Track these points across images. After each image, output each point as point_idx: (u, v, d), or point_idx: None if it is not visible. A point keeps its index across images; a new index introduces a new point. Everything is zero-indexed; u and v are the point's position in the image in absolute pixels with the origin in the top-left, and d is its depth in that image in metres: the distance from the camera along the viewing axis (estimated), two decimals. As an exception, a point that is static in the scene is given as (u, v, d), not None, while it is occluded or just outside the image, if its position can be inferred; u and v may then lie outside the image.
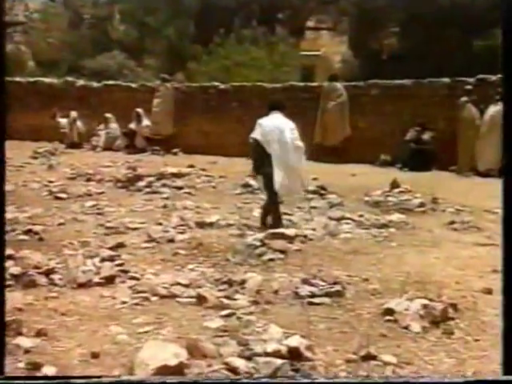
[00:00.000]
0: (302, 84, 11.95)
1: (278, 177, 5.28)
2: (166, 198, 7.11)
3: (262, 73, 15.48)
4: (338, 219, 5.83)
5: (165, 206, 6.53)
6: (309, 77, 16.58)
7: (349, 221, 5.79)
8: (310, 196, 7.14)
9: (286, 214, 6.02)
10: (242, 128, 11.86)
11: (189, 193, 7.55)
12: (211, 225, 5.53)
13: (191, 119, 12.32)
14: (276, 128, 5.38)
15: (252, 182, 7.67)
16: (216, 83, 12.53)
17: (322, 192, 7.30)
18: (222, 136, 11.91)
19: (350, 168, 9.81)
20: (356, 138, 10.86)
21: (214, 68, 15.91)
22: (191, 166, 9.26)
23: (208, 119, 12.12)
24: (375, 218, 5.91)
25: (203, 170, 9.16)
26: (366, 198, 7.06)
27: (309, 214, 5.92)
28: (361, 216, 5.99)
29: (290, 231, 5.09)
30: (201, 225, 5.52)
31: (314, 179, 8.10)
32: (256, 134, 5.45)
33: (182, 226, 5.45)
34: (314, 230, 5.34)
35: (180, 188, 7.75)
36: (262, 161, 5.38)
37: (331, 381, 2.38)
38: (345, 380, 2.46)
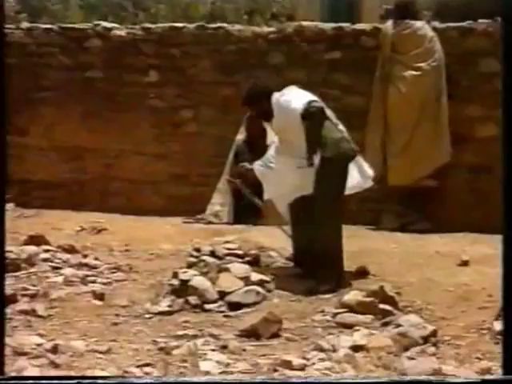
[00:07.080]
0: (327, 25, 12.28)
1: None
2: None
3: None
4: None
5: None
6: (346, 9, 17.06)
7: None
8: (352, 318, 7.29)
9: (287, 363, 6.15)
10: (172, 136, 11.97)
11: (32, 313, 7.60)
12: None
13: (39, 114, 12.63)
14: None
15: (207, 284, 7.74)
16: (105, 24, 12.91)
17: (386, 308, 7.44)
18: (121, 157, 12.15)
19: (455, 245, 9.98)
20: (469, 164, 11.22)
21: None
22: (36, 241, 9.35)
23: (84, 115, 12.44)
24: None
25: (70, 250, 9.27)
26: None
27: (349, 367, 6.05)
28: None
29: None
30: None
31: (361, 273, 8.26)
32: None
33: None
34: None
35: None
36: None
37: (331, 381, 4.93)
38: (345, 380, 5.00)
